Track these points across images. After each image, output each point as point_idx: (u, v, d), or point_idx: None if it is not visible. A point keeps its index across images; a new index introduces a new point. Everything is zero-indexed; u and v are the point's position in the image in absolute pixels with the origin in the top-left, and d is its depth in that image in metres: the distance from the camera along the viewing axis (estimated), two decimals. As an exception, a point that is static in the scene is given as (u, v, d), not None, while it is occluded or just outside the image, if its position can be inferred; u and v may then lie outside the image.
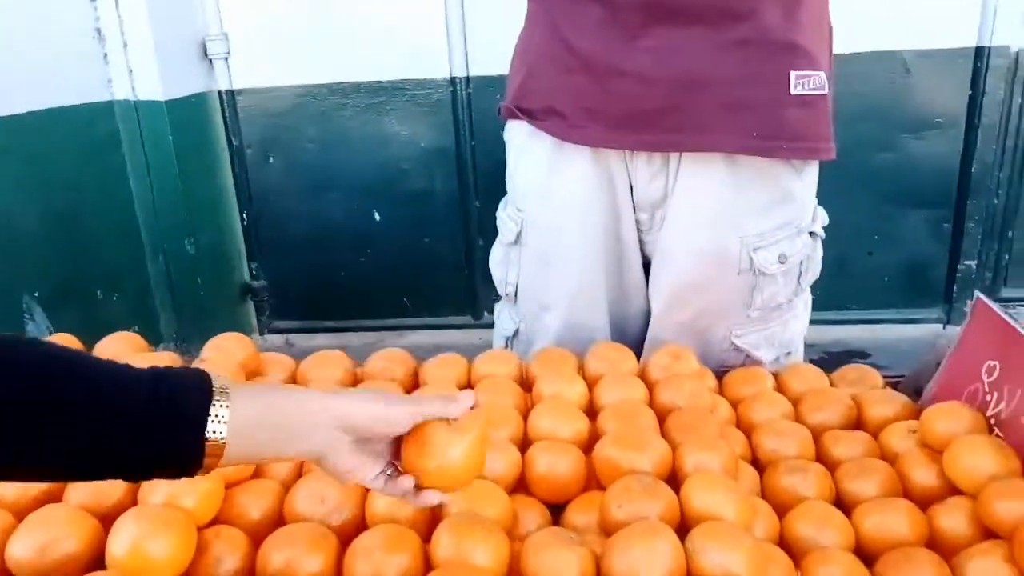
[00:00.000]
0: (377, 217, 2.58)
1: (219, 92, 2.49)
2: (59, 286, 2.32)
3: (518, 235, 1.06)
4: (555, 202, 1.02)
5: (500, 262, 1.12)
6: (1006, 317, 0.92)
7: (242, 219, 2.63)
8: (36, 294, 2.26)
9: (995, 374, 0.90)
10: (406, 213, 2.56)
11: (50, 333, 2.29)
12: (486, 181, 2.50)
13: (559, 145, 1.00)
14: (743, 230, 0.98)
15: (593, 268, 1.04)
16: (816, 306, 1.26)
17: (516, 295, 1.11)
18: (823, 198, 1.09)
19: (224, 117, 2.51)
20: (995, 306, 0.96)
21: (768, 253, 0.99)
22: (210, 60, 2.46)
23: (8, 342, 0.48)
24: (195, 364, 0.99)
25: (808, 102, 0.92)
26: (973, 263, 2.49)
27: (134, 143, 2.43)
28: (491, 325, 2.69)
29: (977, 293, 0.97)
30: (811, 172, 1.02)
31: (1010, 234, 2.45)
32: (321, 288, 2.67)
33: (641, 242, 1.05)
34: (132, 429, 0.50)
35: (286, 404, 0.57)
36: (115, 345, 1.04)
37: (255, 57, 2.46)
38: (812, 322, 1.18)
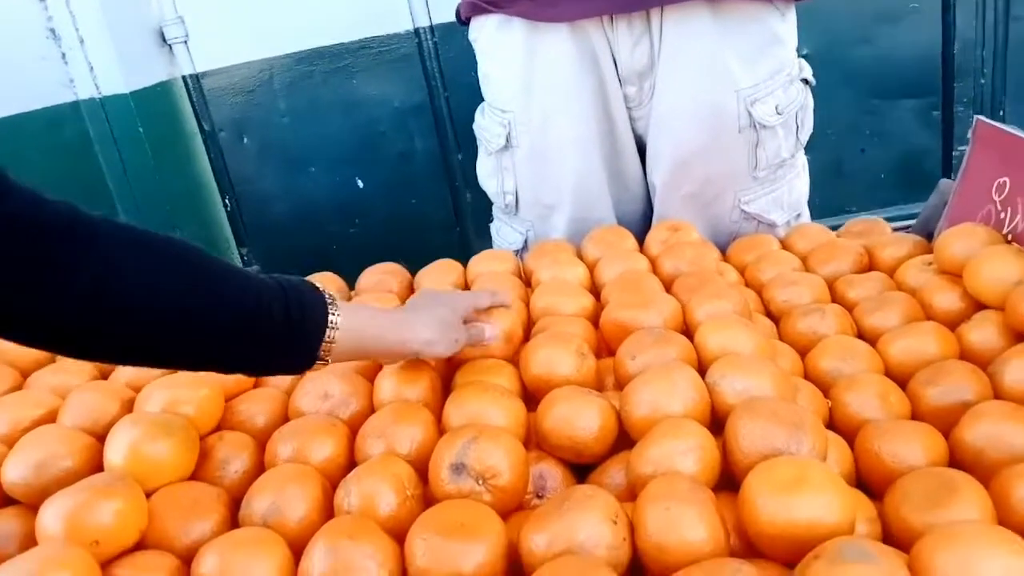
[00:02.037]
0: (361, 184, 2.53)
1: (183, 77, 2.44)
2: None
3: (507, 138, 1.02)
4: (539, 91, 0.98)
5: (492, 173, 1.08)
6: (1011, 130, 0.89)
7: (225, 205, 2.58)
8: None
9: (1006, 191, 0.86)
10: (389, 176, 2.52)
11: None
12: (465, 133, 2.45)
13: (533, 28, 0.96)
14: (737, 83, 0.94)
15: (590, 154, 1.00)
16: (814, 213, 1.22)
17: (517, 202, 1.07)
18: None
19: (192, 102, 2.46)
20: (997, 124, 0.93)
21: (765, 105, 0.95)
22: (169, 46, 2.41)
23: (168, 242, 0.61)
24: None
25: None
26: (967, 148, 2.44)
27: (105, 140, 2.38)
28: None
29: (977, 116, 0.93)
30: (792, 15, 0.98)
31: (1002, 112, 2.40)
32: (315, 263, 2.59)
33: (632, 120, 1.01)
34: (272, 349, 0.58)
35: (374, 329, 0.65)
36: None
37: (214, 37, 2.40)
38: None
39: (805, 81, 1.02)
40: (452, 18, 2.30)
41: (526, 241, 1.11)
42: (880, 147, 2.46)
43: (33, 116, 2.26)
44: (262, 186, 2.56)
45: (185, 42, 2.40)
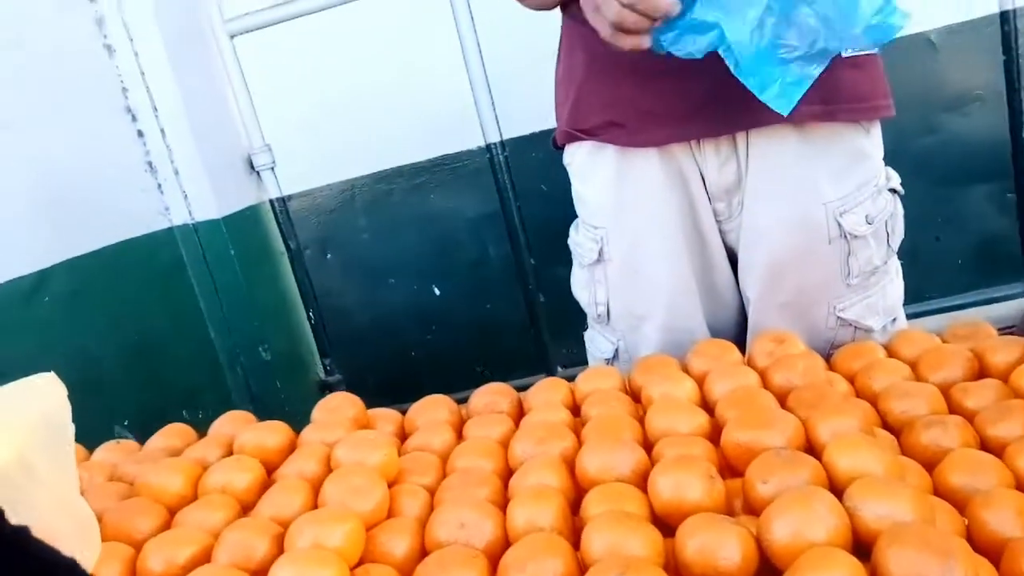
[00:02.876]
0: (437, 292, 2.62)
1: (271, 201, 2.59)
2: (145, 412, 2.38)
3: (600, 252, 1.07)
4: (631, 211, 1.03)
5: (584, 285, 1.13)
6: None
7: (309, 318, 2.69)
8: (125, 423, 2.33)
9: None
10: (465, 283, 2.60)
11: (145, 457, 2.37)
12: (536, 238, 2.53)
13: (624, 153, 1.02)
14: (825, 196, 0.97)
15: (682, 268, 1.04)
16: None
17: (608, 313, 1.11)
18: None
19: (279, 223, 2.61)
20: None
21: (854, 216, 0.98)
22: (257, 172, 2.58)
23: None
24: (307, 427, 1.01)
25: (859, 63, 0.93)
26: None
27: (198, 263, 2.53)
28: (566, 379, 2.67)
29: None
30: (876, 131, 1.02)
31: (1078, 190, 2.38)
32: (395, 372, 2.70)
33: (722, 232, 1.05)
34: None
35: None
36: (164, 438, 1.07)
37: (299, 162, 2.57)
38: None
39: (893, 190, 1.05)
40: (521, 132, 2.44)
41: (617, 350, 1.14)
42: (955, 234, 2.45)
43: (133, 243, 2.42)
44: (344, 298, 2.67)
45: (272, 168, 2.57)
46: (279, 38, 2.47)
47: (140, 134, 2.47)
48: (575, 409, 0.99)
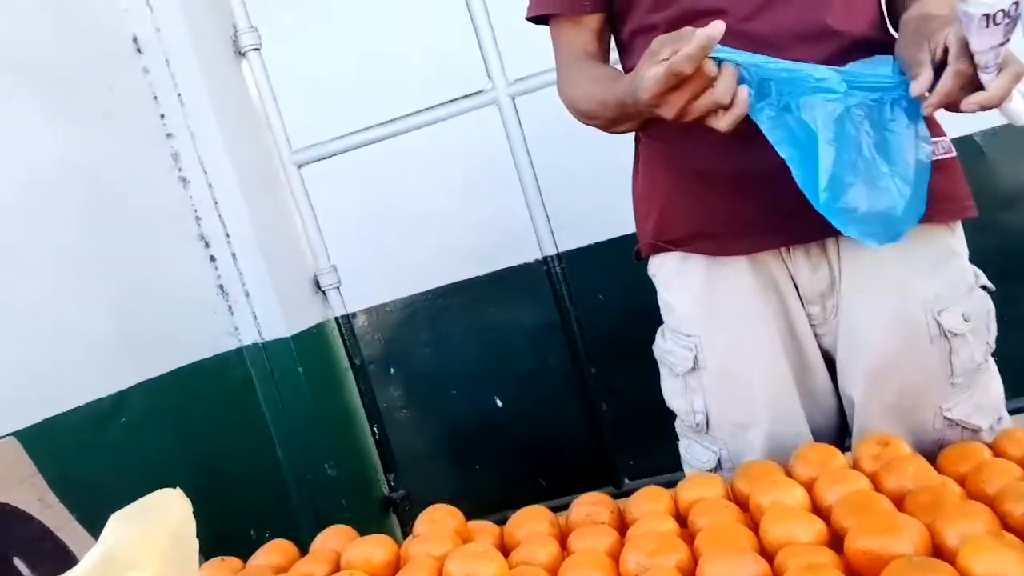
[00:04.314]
0: (499, 403, 2.63)
1: (336, 319, 2.67)
2: (214, 533, 2.34)
3: (694, 360, 1.08)
4: (723, 318, 1.06)
5: (679, 393, 1.13)
6: None
7: (373, 433, 2.70)
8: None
9: None
10: (526, 393, 2.61)
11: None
12: (596, 348, 2.55)
13: (713, 262, 1.05)
14: (922, 295, 0.99)
15: (781, 372, 1.05)
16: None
17: (707, 422, 1.11)
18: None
19: (344, 340, 2.67)
20: None
21: (952, 314, 0.99)
22: (323, 292, 2.67)
23: None
24: (409, 538, 1.01)
25: (943, 167, 0.97)
26: None
27: (266, 382, 2.58)
28: (634, 491, 2.61)
29: None
30: (960, 230, 1.04)
31: None
32: (458, 486, 2.68)
33: (816, 336, 1.06)
34: None
35: None
36: (268, 555, 1.08)
37: (363, 281, 2.66)
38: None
39: (984, 287, 1.06)
40: (577, 245, 2.51)
41: (719, 459, 1.13)
42: None
43: (204, 363, 2.48)
44: (407, 412, 2.69)
45: (337, 287, 2.65)
46: (343, 166, 2.61)
47: (212, 259, 2.59)
48: (679, 518, 0.98)
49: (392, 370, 2.68)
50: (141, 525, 0.74)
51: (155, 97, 2.54)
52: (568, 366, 2.58)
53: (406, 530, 2.73)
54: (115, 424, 2.19)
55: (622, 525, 1.01)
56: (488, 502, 2.69)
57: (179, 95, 2.52)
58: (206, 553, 2.28)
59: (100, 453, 2.14)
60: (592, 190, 2.44)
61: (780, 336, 1.06)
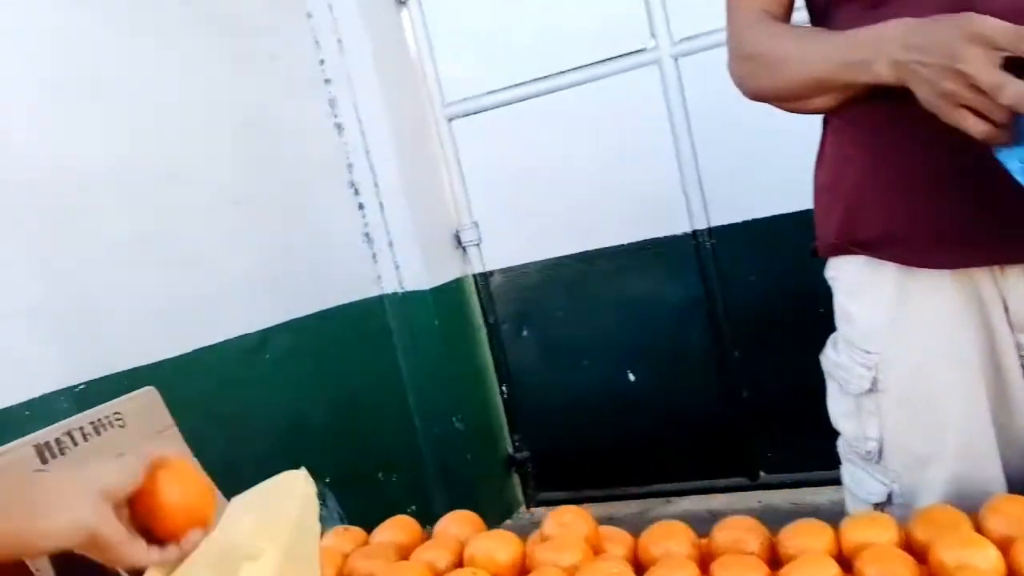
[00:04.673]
0: (632, 378, 2.54)
1: (474, 276, 2.66)
2: (344, 471, 2.46)
3: (873, 381, 0.95)
4: (914, 336, 0.91)
5: (849, 415, 1.00)
6: None
7: (502, 392, 2.70)
8: (327, 480, 2.42)
9: None
10: (662, 371, 2.51)
11: (340, 518, 2.45)
12: (742, 331, 2.40)
13: (908, 273, 0.91)
14: None
15: (977, 406, 0.90)
16: None
17: (881, 451, 0.98)
18: None
19: (480, 298, 2.66)
20: None
21: None
22: (464, 248, 2.66)
23: None
24: (535, 537, 0.96)
25: None
26: None
27: (403, 332, 2.62)
28: (769, 486, 2.48)
29: None
30: None
31: None
32: (583, 456, 2.64)
33: (1024, 368, 0.90)
34: None
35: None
36: (391, 531, 1.05)
37: (504, 240, 2.62)
38: None
39: None
40: (731, 220, 2.35)
41: (890, 495, 1.00)
42: None
43: (346, 308, 2.55)
44: (537, 376, 2.66)
45: (478, 245, 2.63)
46: (493, 121, 2.56)
47: (360, 207, 2.63)
48: (840, 560, 0.87)
49: (525, 332, 2.65)
50: (261, 512, 0.72)
51: (316, 42, 2.58)
52: (709, 347, 2.45)
53: (527, 491, 2.73)
54: (260, 359, 2.29)
55: (772, 557, 0.91)
56: (610, 474, 2.65)
57: (339, 40, 2.53)
58: (335, 491, 2.38)
59: (245, 386, 2.24)
60: (754, 166, 2.27)
61: (980, 365, 0.91)
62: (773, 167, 2.20)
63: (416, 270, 2.56)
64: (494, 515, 2.63)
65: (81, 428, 0.82)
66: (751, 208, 2.32)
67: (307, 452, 2.36)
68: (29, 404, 1.80)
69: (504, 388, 2.69)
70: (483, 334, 2.69)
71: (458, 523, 1.05)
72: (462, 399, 2.62)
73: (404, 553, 1.03)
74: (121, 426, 0.87)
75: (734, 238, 2.36)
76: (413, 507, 2.66)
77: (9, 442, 1.76)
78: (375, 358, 2.61)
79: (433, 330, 2.55)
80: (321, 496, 2.49)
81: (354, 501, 2.47)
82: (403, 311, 2.61)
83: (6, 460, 0.71)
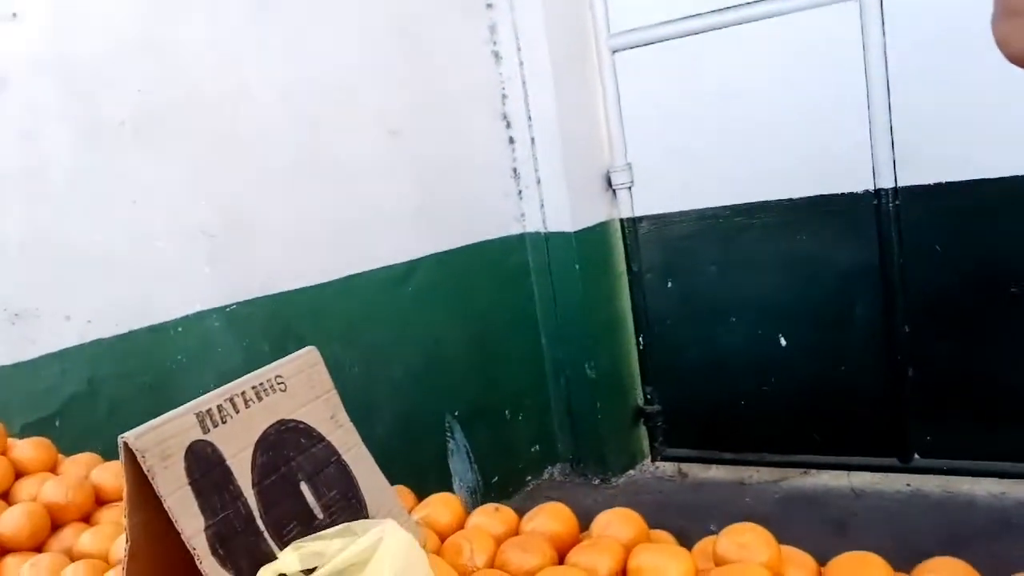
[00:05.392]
0: (783, 343, 2.37)
1: (621, 220, 2.53)
2: (473, 406, 2.46)
3: None
4: None
5: None
6: None
7: (638, 343, 2.60)
8: (456, 413, 2.42)
9: None
10: (818, 339, 2.32)
11: (467, 451, 2.46)
12: (917, 304, 2.17)
13: None
14: None
15: None
16: None
17: None
18: None
19: (625, 244, 2.54)
20: None
21: None
22: (613, 190, 2.52)
23: None
24: (704, 549, 0.87)
25: None
26: None
27: (542, 273, 2.55)
28: (922, 470, 2.28)
29: None
30: None
31: None
32: (717, 416, 2.51)
33: None
34: None
35: None
36: (545, 519, 0.98)
37: (657, 184, 2.47)
38: None
39: None
40: (922, 181, 2.08)
41: None
42: None
43: (488, 244, 2.49)
44: (677, 330, 2.53)
45: (629, 188, 2.49)
46: (662, 55, 2.37)
47: (511, 140, 2.53)
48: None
49: (670, 283, 2.51)
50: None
51: (479, -36, 2.44)
52: (876, 318, 2.24)
53: (654, 445, 2.64)
54: (403, 291, 2.28)
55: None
56: (744, 438, 2.51)
57: (502, -38, 2.39)
58: (462, 425, 2.38)
59: (390, 314, 2.24)
60: (960, 122, 1.99)
61: None
62: (986, 126, 1.93)
63: (561, 210, 2.46)
64: (617, 465, 2.57)
65: (243, 393, 0.78)
66: (948, 169, 2.05)
67: (439, 384, 2.37)
68: (184, 320, 1.86)
69: (641, 339, 2.59)
70: (624, 281, 2.57)
71: (619, 524, 0.97)
72: (597, 346, 2.54)
73: (559, 545, 0.96)
74: (283, 390, 0.83)
75: (923, 201, 2.11)
76: (536, 447, 2.64)
77: (163, 355, 1.83)
78: (513, 297, 2.55)
79: (573, 274, 2.46)
80: (449, 429, 2.51)
81: (480, 436, 2.47)
82: (544, 252, 2.53)
83: (169, 429, 0.69)
